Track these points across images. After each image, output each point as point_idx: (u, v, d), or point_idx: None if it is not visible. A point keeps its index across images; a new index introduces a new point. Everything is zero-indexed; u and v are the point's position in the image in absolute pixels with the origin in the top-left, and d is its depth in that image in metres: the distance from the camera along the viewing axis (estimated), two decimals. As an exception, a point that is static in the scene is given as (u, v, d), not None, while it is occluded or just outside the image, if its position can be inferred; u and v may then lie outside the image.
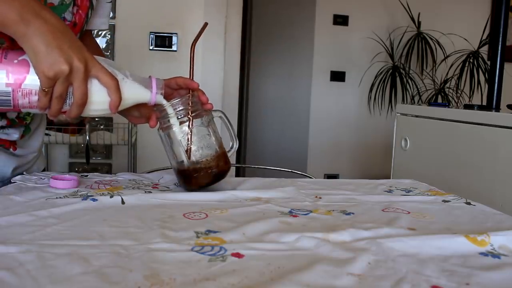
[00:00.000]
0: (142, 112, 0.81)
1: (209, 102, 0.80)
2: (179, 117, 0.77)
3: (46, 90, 0.62)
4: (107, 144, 2.44)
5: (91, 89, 0.65)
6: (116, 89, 0.65)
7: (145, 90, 0.71)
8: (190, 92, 0.79)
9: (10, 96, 0.63)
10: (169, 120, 0.77)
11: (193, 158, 0.77)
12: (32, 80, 0.63)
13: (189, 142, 0.77)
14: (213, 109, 0.81)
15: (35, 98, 0.64)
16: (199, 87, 0.80)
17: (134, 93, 0.70)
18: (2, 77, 0.62)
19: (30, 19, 0.59)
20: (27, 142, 0.90)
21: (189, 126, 0.76)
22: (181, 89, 0.82)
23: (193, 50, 0.79)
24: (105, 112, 0.69)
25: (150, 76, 0.73)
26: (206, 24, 0.81)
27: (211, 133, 0.79)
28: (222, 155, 0.80)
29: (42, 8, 0.61)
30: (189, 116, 0.76)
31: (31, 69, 0.62)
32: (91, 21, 0.89)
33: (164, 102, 0.75)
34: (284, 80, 3.71)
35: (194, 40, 0.79)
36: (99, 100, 0.66)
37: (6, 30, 0.60)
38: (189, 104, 0.77)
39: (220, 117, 0.83)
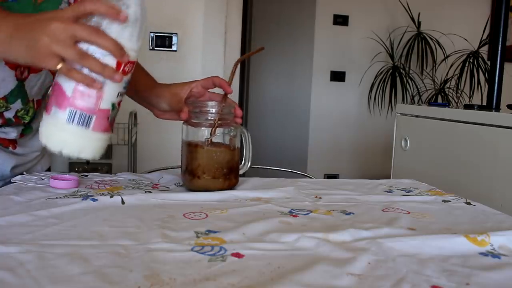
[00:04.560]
0: (173, 105, 0.81)
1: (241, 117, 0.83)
2: (209, 118, 0.79)
3: (71, 72, 0.59)
4: (107, 144, 2.43)
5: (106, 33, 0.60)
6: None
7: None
8: (226, 100, 0.82)
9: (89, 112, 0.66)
10: (207, 118, 0.79)
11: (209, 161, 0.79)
12: (64, 82, 0.62)
13: (208, 145, 0.79)
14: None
15: (91, 92, 0.62)
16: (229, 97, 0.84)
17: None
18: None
19: None
20: (29, 141, 0.90)
21: (212, 131, 0.78)
22: (212, 89, 0.84)
23: (236, 65, 0.84)
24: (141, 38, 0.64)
25: None
26: (262, 48, 0.86)
27: (233, 146, 0.81)
28: (235, 169, 0.81)
29: None
30: (218, 122, 0.79)
31: (63, 85, 0.62)
32: None
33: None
34: (284, 80, 3.70)
35: (241, 58, 0.86)
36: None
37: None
38: (221, 110, 0.79)
39: (242, 133, 0.85)
